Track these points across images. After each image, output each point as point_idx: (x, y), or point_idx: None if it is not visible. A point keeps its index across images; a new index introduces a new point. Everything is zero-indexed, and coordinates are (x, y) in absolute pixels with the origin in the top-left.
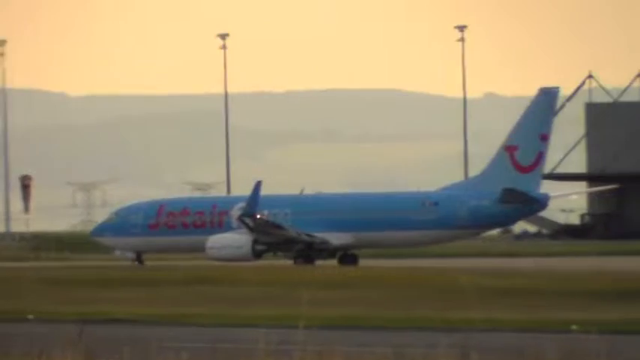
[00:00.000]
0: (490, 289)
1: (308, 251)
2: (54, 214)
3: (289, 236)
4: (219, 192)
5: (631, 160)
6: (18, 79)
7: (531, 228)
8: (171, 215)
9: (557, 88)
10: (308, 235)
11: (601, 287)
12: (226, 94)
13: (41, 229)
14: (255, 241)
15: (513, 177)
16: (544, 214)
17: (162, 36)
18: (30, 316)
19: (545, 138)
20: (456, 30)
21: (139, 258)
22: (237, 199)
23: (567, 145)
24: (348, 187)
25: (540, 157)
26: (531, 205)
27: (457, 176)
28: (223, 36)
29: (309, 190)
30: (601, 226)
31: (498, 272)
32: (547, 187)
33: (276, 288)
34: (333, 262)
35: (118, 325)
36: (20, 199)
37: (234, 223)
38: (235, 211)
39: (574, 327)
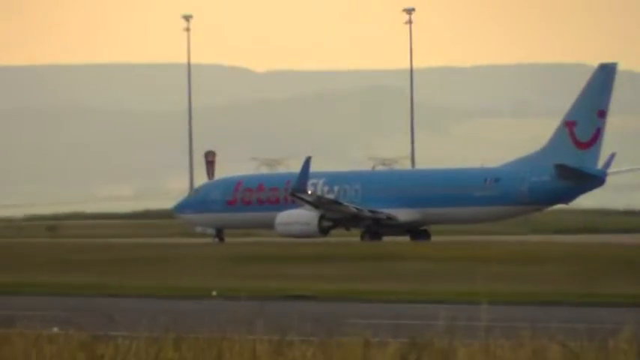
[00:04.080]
0: None
1: (376, 227)
2: None
3: (350, 212)
4: (404, 167)
5: None
6: (203, 55)
7: None
8: (248, 191)
9: (616, 63)
10: (371, 211)
11: None
12: (412, 69)
13: None
14: (321, 218)
15: (572, 153)
16: None
17: (346, 11)
18: (214, 293)
19: (602, 114)
20: None
21: (219, 234)
22: (313, 175)
23: None
24: None
25: (598, 133)
26: (587, 181)
27: None
28: (409, 11)
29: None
30: None
31: None
32: None
33: (456, 264)
34: (404, 238)
35: (298, 302)
36: (204, 174)
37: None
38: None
39: None
